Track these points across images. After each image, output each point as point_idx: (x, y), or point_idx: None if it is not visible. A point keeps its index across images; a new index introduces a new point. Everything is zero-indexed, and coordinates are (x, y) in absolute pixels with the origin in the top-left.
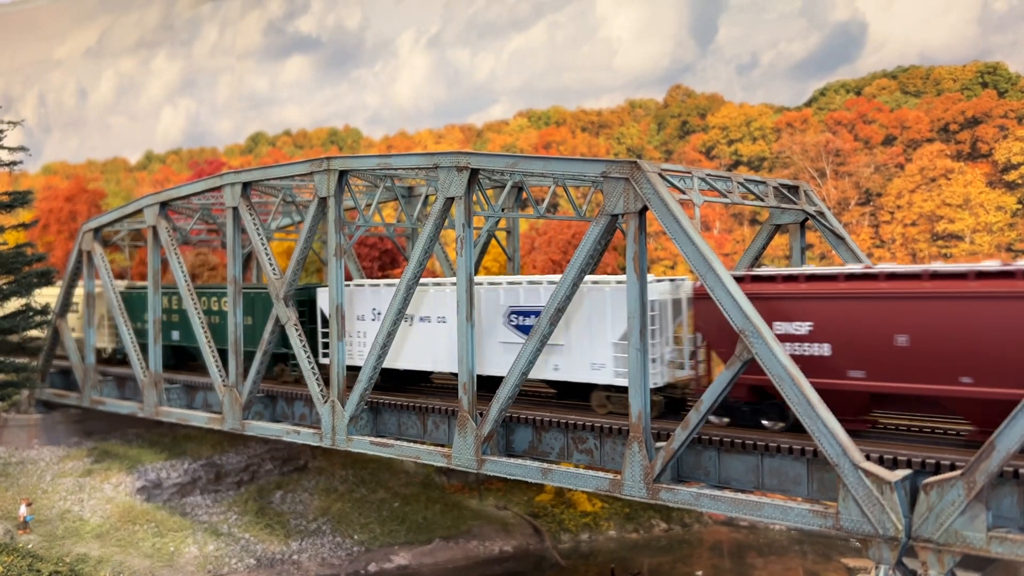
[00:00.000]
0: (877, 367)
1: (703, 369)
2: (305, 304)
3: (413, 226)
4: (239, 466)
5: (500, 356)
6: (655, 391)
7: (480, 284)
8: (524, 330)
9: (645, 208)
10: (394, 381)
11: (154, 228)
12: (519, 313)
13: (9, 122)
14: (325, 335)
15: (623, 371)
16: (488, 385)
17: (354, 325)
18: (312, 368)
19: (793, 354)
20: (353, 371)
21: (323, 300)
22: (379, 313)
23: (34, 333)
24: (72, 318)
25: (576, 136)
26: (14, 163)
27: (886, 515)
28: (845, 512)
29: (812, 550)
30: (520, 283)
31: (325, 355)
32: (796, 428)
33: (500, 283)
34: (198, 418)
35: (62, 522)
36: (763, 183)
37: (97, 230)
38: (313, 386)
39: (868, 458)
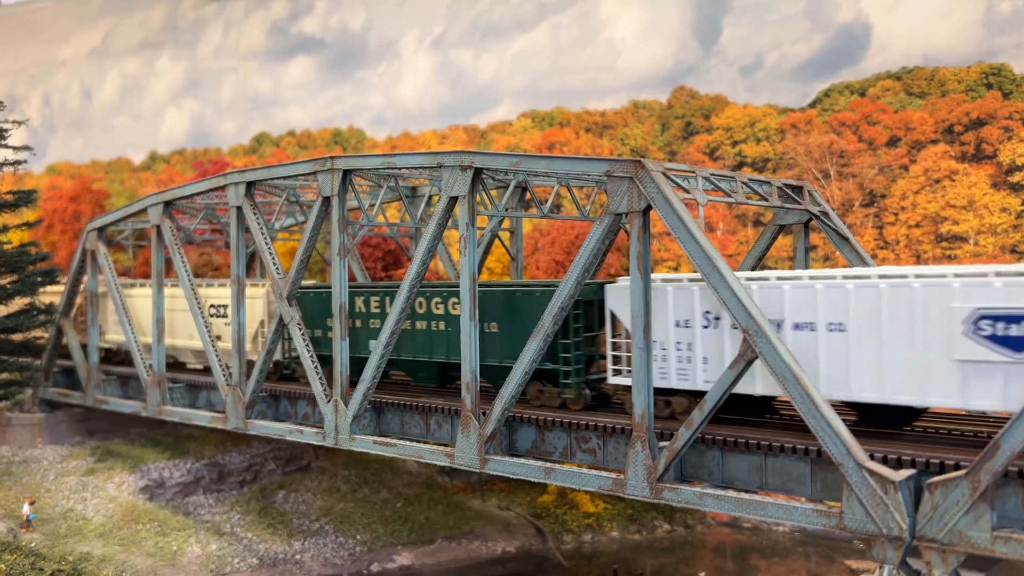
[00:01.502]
0: None
1: None
2: (581, 306)
3: (417, 226)
4: (242, 466)
5: (952, 379)
6: None
7: (904, 278)
8: (1010, 343)
9: (649, 207)
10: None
11: (158, 227)
12: (1000, 319)
13: (14, 121)
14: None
15: None
16: (897, 418)
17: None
18: (315, 367)
19: None
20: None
21: (615, 300)
22: (714, 317)
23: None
24: (177, 319)
25: (580, 137)
26: (19, 162)
27: (890, 515)
28: (849, 512)
29: (815, 552)
30: (987, 275)
31: (617, 371)
32: None
33: (945, 275)
34: (201, 417)
35: (65, 521)
36: (767, 183)
37: (101, 229)
38: (316, 385)
39: (872, 458)
